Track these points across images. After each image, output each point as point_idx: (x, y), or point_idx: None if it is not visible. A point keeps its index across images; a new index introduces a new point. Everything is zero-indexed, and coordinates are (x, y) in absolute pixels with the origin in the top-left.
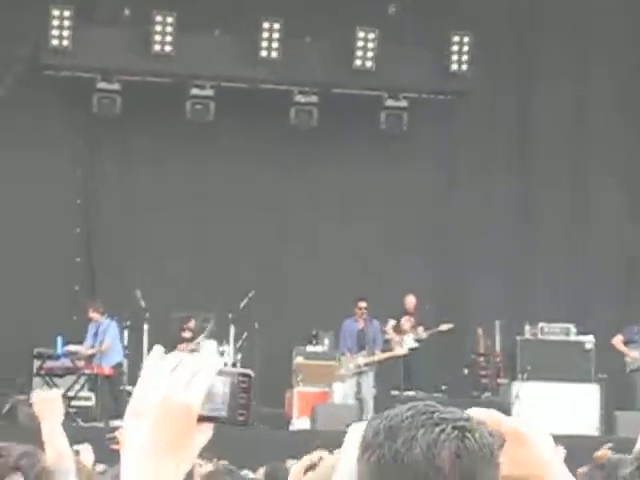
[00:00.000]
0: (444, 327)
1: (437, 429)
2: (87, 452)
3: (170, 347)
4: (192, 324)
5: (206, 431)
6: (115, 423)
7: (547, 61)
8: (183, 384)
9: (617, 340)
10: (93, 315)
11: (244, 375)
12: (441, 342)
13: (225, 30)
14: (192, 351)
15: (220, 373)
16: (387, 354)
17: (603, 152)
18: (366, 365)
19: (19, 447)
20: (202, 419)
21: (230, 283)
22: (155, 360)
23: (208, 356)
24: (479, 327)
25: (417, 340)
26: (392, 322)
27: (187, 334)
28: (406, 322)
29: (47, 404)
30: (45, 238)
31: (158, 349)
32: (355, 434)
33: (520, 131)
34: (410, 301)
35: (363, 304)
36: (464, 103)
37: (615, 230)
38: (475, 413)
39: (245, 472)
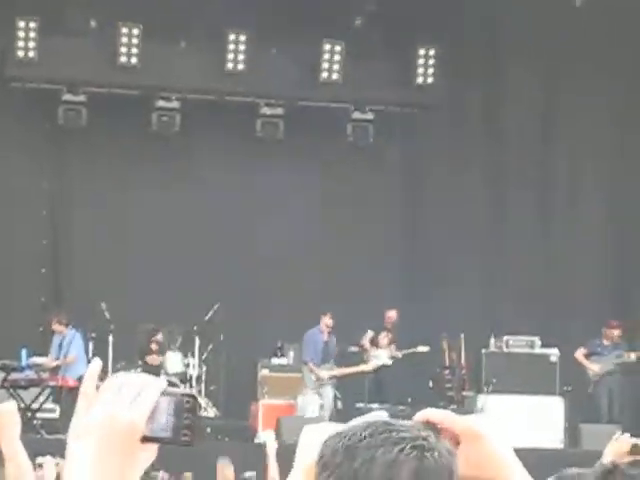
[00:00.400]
0: (422, 349)
1: (396, 449)
2: (49, 465)
3: (137, 358)
4: (160, 337)
5: (151, 451)
6: None
7: (513, 72)
8: (127, 403)
9: (579, 353)
10: (57, 327)
11: (188, 396)
12: (406, 355)
13: (191, 42)
14: (158, 364)
15: (164, 393)
16: (352, 369)
17: (573, 160)
18: (329, 379)
19: None
20: (146, 439)
21: (195, 295)
22: (107, 383)
23: (151, 377)
24: (444, 340)
25: (392, 357)
26: (370, 334)
27: (154, 346)
28: (384, 337)
29: (3, 418)
30: (11, 249)
31: (97, 362)
32: (308, 437)
33: (487, 143)
34: (390, 315)
35: (330, 319)
36: (430, 116)
37: (582, 243)
38: (429, 414)
39: None
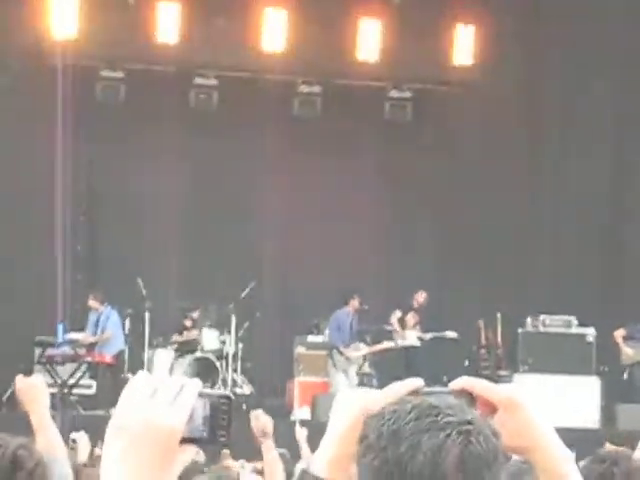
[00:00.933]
0: (450, 334)
1: (442, 434)
2: (83, 440)
3: (171, 335)
4: (196, 315)
5: (188, 451)
6: None
7: (552, 53)
8: (166, 407)
9: (618, 334)
10: (93, 303)
11: (224, 397)
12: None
13: (229, 19)
14: (193, 340)
15: (201, 395)
16: (379, 347)
17: (607, 138)
18: (357, 358)
19: (14, 439)
20: (183, 440)
21: (231, 273)
22: (138, 381)
23: (189, 379)
24: (480, 319)
25: (420, 339)
26: (398, 314)
27: (189, 323)
28: (411, 318)
29: (32, 391)
30: (48, 227)
31: (142, 374)
32: (343, 402)
33: (526, 123)
34: (420, 297)
35: (359, 302)
36: (468, 95)
37: (622, 225)
38: (466, 382)
39: (241, 462)
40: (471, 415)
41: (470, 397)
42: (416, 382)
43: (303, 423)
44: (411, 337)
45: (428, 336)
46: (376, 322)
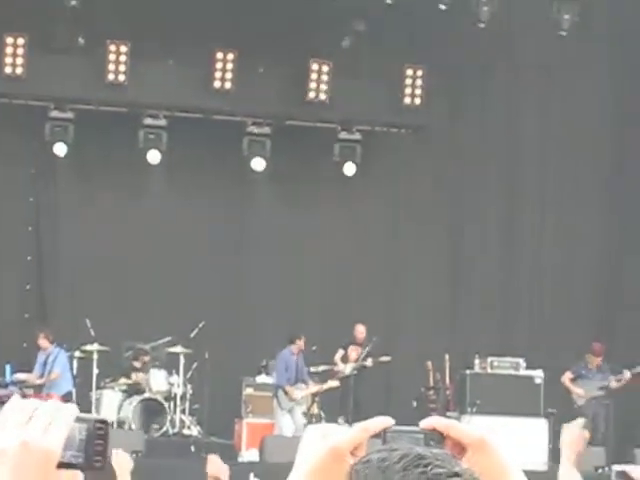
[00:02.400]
0: (384, 358)
1: None
2: None
3: (120, 376)
4: (147, 358)
5: (65, 476)
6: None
7: (503, 93)
8: (42, 430)
9: (565, 377)
10: (43, 342)
11: (101, 422)
12: (390, 374)
13: (179, 60)
14: (142, 381)
15: (77, 420)
16: (321, 386)
17: (564, 179)
18: (302, 398)
19: None
20: (60, 465)
21: (180, 313)
22: (12, 407)
23: (64, 404)
24: (428, 360)
25: (355, 368)
26: (341, 352)
27: (138, 364)
28: (352, 351)
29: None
30: None
31: (17, 398)
32: (311, 437)
33: (475, 162)
34: (359, 331)
35: (302, 340)
36: (417, 136)
37: (571, 263)
38: (436, 422)
39: None
40: (459, 467)
41: (440, 436)
42: (386, 421)
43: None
44: (348, 369)
45: (362, 364)
46: (323, 363)
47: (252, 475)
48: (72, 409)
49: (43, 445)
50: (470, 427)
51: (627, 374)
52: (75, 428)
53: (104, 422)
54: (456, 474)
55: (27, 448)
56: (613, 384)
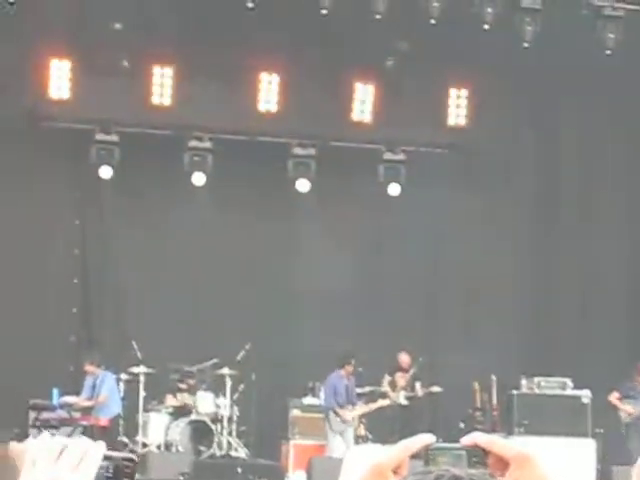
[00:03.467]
0: (435, 389)
1: None
2: None
3: (166, 398)
4: (192, 381)
5: None
6: None
7: (546, 112)
8: (71, 467)
9: (613, 397)
10: (89, 368)
11: (128, 460)
12: (437, 396)
13: (223, 82)
14: (188, 403)
15: (105, 458)
16: (372, 405)
17: (607, 196)
18: (353, 420)
19: None
20: None
21: (227, 335)
22: (41, 445)
23: (92, 442)
24: (475, 381)
25: (407, 398)
26: (388, 378)
27: (184, 386)
28: (400, 378)
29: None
30: (42, 288)
31: (46, 436)
32: (354, 458)
33: (518, 185)
34: (403, 359)
35: (353, 366)
36: (461, 156)
37: (613, 284)
38: (478, 438)
39: None
40: None
41: (482, 453)
42: (428, 438)
43: None
44: (400, 397)
45: (413, 393)
46: (368, 384)
47: None
48: (100, 447)
49: None
50: (512, 443)
51: None
52: (103, 466)
53: (131, 460)
54: None
55: None
56: None
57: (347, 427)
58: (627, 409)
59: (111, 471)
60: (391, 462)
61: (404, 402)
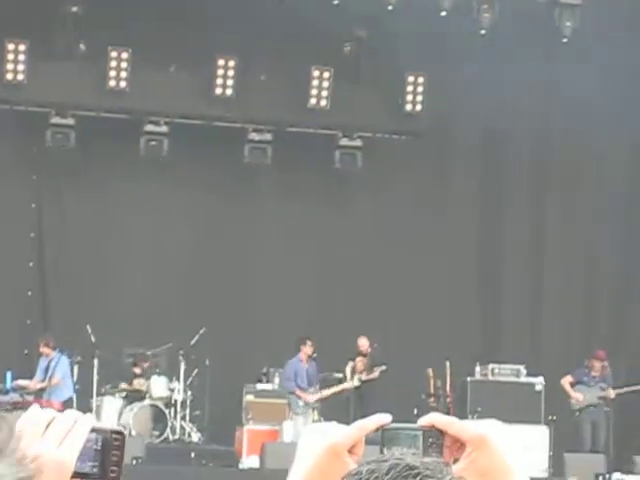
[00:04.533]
0: (377, 369)
1: None
2: None
3: (120, 382)
4: (146, 365)
5: None
6: None
7: (503, 98)
8: (57, 441)
9: (565, 380)
10: (44, 349)
11: (117, 432)
12: (391, 382)
13: (180, 66)
14: (143, 387)
15: (93, 430)
16: (335, 388)
17: (564, 185)
18: (316, 402)
19: None
20: (75, 476)
21: (181, 319)
22: (29, 418)
23: (80, 414)
24: (429, 367)
25: (359, 380)
26: (351, 364)
27: (138, 370)
28: (358, 362)
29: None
30: None
31: (35, 408)
32: (308, 438)
33: (477, 172)
34: (362, 343)
35: (310, 347)
36: (418, 143)
37: (568, 269)
38: (435, 419)
39: None
40: (449, 476)
41: (439, 434)
42: (384, 418)
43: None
44: (355, 381)
45: (364, 378)
46: (329, 371)
47: None
48: (89, 420)
49: (57, 456)
50: (470, 424)
51: (611, 393)
52: (91, 439)
53: (120, 433)
54: None
55: (41, 460)
56: (611, 394)
57: (308, 410)
58: (576, 396)
59: (99, 444)
60: (347, 441)
61: (357, 383)
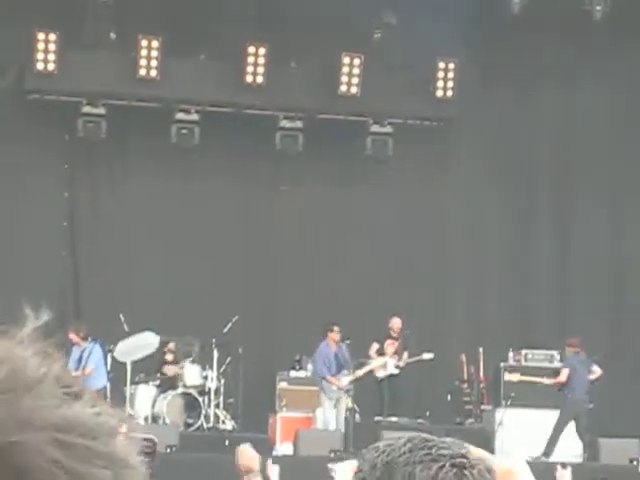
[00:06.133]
0: (426, 356)
1: (435, 466)
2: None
3: (154, 370)
4: (172, 346)
5: None
6: None
7: (532, 87)
8: None
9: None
10: (73, 337)
11: (148, 440)
12: (424, 368)
13: (210, 55)
14: (175, 375)
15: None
16: (367, 368)
17: (589, 174)
18: (350, 384)
19: None
20: None
21: (214, 308)
22: None
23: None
24: (462, 353)
25: (397, 367)
26: (376, 346)
27: (169, 356)
28: (389, 346)
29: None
30: (31, 261)
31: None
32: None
33: (505, 158)
34: (395, 323)
35: (338, 329)
36: (449, 129)
37: (599, 259)
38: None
39: None
40: (465, 450)
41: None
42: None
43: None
44: (390, 366)
45: (404, 362)
46: (355, 354)
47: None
48: (136, 423)
49: None
50: (498, 458)
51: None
52: None
53: (151, 440)
54: (462, 455)
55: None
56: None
57: (341, 395)
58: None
59: None
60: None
61: (395, 371)
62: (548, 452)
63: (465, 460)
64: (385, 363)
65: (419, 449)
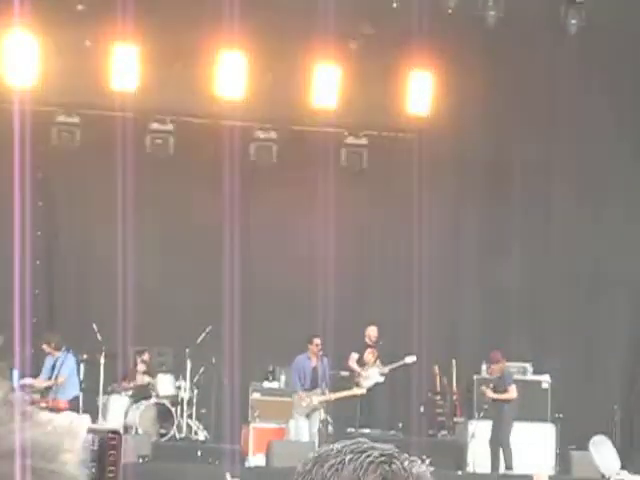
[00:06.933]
0: (409, 359)
1: (364, 455)
2: None
3: (126, 380)
4: (146, 357)
5: None
6: None
7: (510, 97)
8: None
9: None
10: (47, 348)
11: (113, 432)
12: (397, 380)
13: (186, 65)
14: (148, 385)
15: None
16: (345, 393)
17: (570, 181)
18: (320, 404)
19: None
20: None
21: (188, 318)
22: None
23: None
24: (435, 365)
25: (382, 374)
26: (355, 355)
27: (141, 367)
28: (369, 354)
29: None
30: (3, 270)
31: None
32: None
33: (484, 170)
34: (372, 331)
35: (319, 341)
36: (424, 141)
37: (572, 273)
38: None
39: None
40: (394, 450)
41: None
42: None
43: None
44: (374, 374)
45: (388, 369)
46: (332, 367)
47: (229, 475)
48: (84, 420)
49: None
50: None
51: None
52: (87, 440)
53: (116, 432)
54: (390, 450)
55: None
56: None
57: (314, 411)
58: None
59: (96, 444)
60: None
61: (380, 379)
62: (509, 465)
63: (394, 452)
64: (368, 381)
65: (350, 444)
